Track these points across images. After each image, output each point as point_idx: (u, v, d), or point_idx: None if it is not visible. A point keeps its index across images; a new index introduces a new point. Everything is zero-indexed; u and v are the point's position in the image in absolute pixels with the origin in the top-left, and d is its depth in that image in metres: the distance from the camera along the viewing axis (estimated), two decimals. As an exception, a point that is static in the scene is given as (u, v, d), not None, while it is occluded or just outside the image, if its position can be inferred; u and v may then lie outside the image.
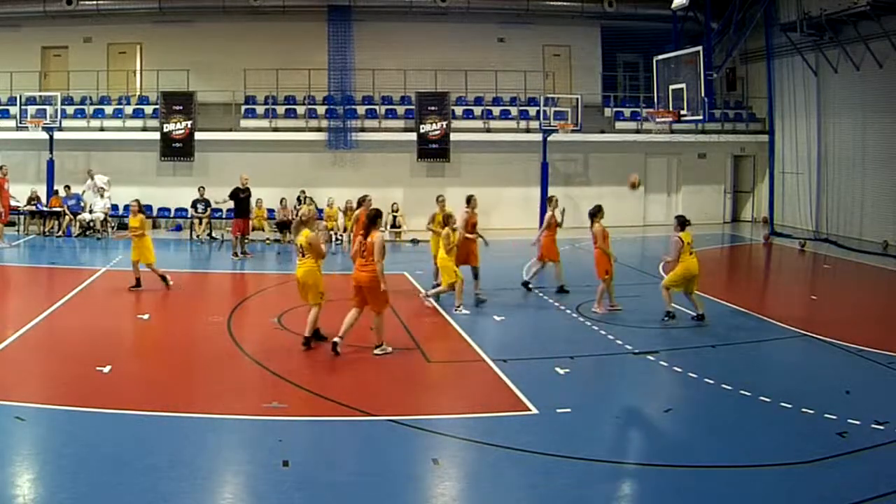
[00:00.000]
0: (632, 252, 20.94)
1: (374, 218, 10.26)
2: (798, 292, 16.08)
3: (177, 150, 22.90)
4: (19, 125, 22.12)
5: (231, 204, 18.86)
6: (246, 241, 18.89)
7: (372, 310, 10.07)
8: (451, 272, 12.74)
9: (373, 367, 9.76)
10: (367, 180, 23.55)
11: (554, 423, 7.84)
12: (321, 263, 10.41)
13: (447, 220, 13.17)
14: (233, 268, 17.74)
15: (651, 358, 10.21)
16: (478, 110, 25.09)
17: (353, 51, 24.35)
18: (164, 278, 14.00)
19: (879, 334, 11.37)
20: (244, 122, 23.84)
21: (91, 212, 21.43)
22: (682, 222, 12.29)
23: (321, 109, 24.16)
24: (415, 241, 21.43)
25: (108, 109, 23.92)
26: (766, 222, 23.90)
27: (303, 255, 10.18)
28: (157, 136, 22.85)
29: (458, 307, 12.73)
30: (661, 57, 21.14)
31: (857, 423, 7.76)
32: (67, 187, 21.95)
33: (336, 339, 10.00)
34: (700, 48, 19.53)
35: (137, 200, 14.54)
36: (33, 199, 21.96)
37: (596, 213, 13.07)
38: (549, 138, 23.89)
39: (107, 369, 9.13)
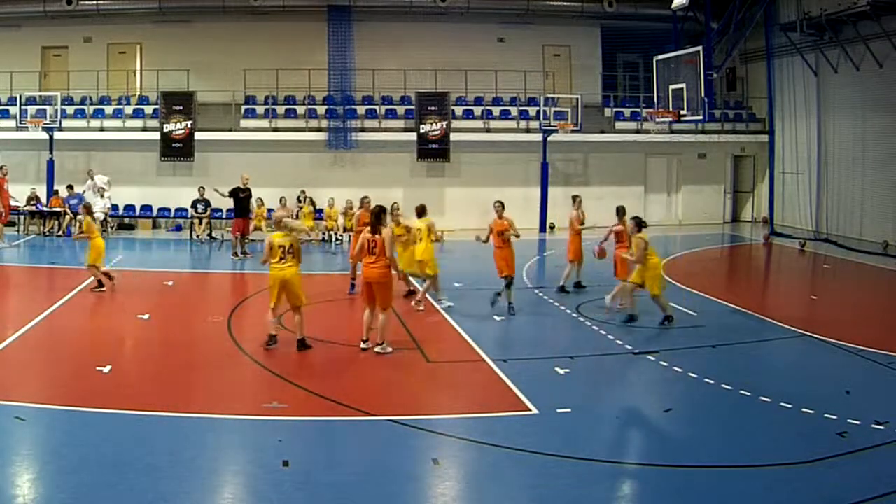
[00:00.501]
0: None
1: (379, 214, 10.31)
2: (798, 292, 16.08)
3: (177, 150, 22.91)
4: (19, 125, 22.14)
5: (229, 199, 18.84)
6: (246, 241, 18.88)
7: (378, 306, 10.09)
8: (431, 266, 12.91)
9: (373, 367, 9.76)
10: (367, 180, 23.57)
11: (554, 423, 7.84)
12: None
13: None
14: (233, 268, 17.73)
15: (651, 358, 10.20)
16: (478, 110, 25.10)
17: (353, 51, 24.35)
18: (100, 283, 13.78)
19: (879, 334, 11.36)
20: (244, 122, 23.85)
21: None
22: (639, 223, 12.31)
23: (321, 109, 24.17)
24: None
25: (108, 109, 23.92)
26: (766, 222, 23.92)
27: (292, 257, 10.07)
28: (157, 136, 22.86)
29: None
30: (661, 57, 21.15)
31: (857, 423, 7.75)
32: (70, 187, 21.97)
33: (363, 346, 10.19)
34: (700, 48, 19.54)
35: (85, 204, 14.76)
36: (33, 199, 21.98)
37: (624, 211, 13.36)
38: (549, 138, 23.91)
39: (107, 369, 9.13)
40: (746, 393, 8.72)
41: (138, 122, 23.62)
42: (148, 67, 24.88)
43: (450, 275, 14.65)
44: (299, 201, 22.52)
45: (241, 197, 18.62)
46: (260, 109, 24.16)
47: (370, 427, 7.74)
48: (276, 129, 23.81)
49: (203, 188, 21.85)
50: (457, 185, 24.35)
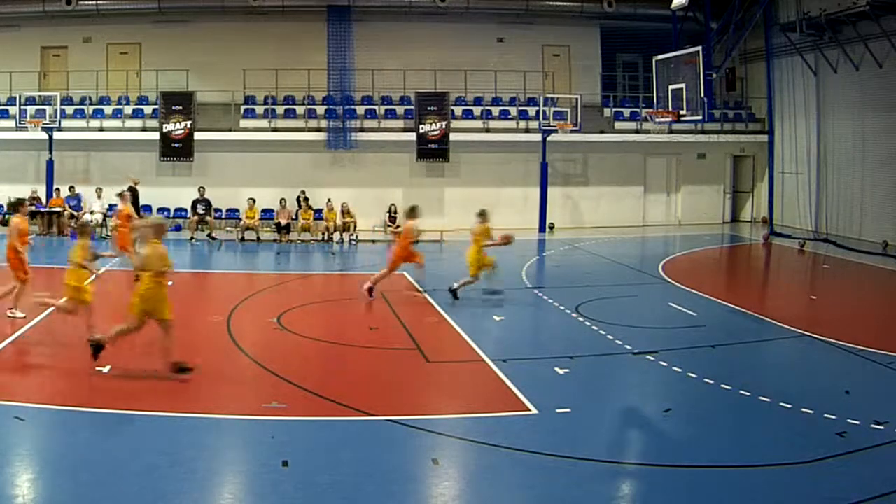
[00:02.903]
0: (631, 252, 20.98)
1: None
2: (798, 292, 16.08)
3: (176, 150, 22.90)
4: (19, 125, 22.13)
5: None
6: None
7: None
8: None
9: (373, 367, 9.76)
10: (366, 180, 23.60)
11: (554, 423, 7.84)
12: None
13: None
14: (234, 268, 17.72)
15: (651, 358, 10.21)
16: (477, 110, 25.09)
17: (353, 51, 24.34)
18: None
19: (879, 334, 11.37)
20: (243, 122, 23.84)
21: (91, 212, 21.50)
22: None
23: (320, 109, 24.17)
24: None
25: (108, 109, 23.91)
26: (766, 222, 23.92)
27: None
28: (156, 136, 22.85)
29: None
30: (660, 57, 21.13)
31: (857, 423, 7.76)
32: (72, 188, 22.04)
33: None
34: (700, 48, 19.51)
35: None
36: (34, 199, 22.00)
37: None
38: (548, 138, 23.92)
39: (106, 369, 9.12)
40: (746, 393, 8.73)
41: (138, 122, 23.61)
42: (147, 67, 24.86)
43: (449, 274, 14.63)
44: (299, 202, 22.58)
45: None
46: (259, 109, 24.15)
47: (370, 427, 7.73)
48: (275, 130, 23.80)
49: (203, 188, 21.85)
50: (456, 186, 24.34)
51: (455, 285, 13.37)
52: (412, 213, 14.03)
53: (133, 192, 19.11)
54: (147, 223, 9.08)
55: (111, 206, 22.12)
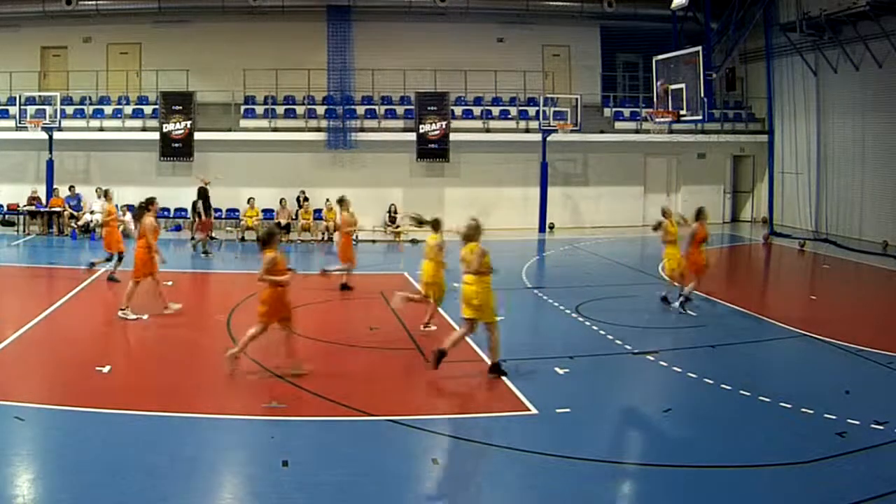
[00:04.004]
0: (631, 252, 20.98)
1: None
2: (798, 292, 16.09)
3: (176, 150, 22.93)
4: (19, 125, 22.14)
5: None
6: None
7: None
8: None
9: (373, 367, 9.76)
10: (366, 180, 23.60)
11: (554, 423, 7.84)
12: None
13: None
14: (233, 268, 17.71)
15: (651, 358, 10.21)
16: (477, 110, 25.11)
17: (353, 51, 24.37)
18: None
19: (879, 334, 11.37)
20: (243, 122, 23.85)
21: (92, 212, 21.49)
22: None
23: (320, 109, 24.17)
24: (414, 241, 21.43)
25: (108, 109, 23.93)
26: (766, 222, 23.94)
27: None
28: (156, 136, 22.88)
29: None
30: (660, 57, 21.15)
31: (857, 423, 7.75)
32: (72, 188, 22.06)
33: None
34: (700, 48, 19.54)
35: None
36: (34, 199, 22.03)
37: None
38: (548, 138, 23.92)
39: (107, 369, 9.12)
40: (746, 393, 8.73)
41: (138, 122, 23.62)
42: (147, 67, 24.88)
43: (449, 275, 14.63)
44: (299, 202, 22.58)
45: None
46: (259, 109, 24.16)
47: (370, 427, 7.73)
48: (275, 130, 23.82)
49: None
50: (456, 186, 24.35)
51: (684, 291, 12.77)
52: (701, 214, 13.00)
53: (204, 192, 19.63)
54: (467, 227, 9.28)
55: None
